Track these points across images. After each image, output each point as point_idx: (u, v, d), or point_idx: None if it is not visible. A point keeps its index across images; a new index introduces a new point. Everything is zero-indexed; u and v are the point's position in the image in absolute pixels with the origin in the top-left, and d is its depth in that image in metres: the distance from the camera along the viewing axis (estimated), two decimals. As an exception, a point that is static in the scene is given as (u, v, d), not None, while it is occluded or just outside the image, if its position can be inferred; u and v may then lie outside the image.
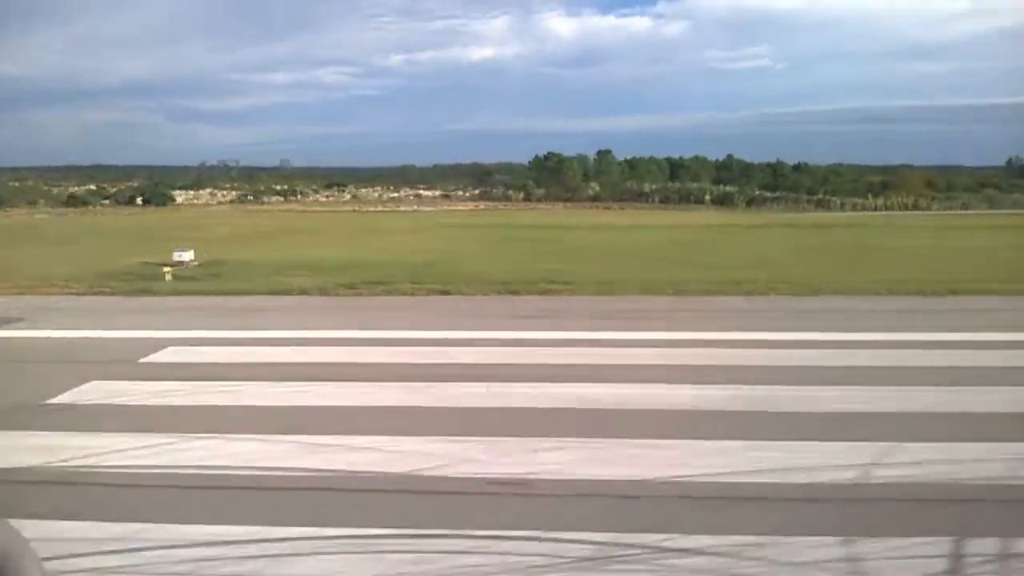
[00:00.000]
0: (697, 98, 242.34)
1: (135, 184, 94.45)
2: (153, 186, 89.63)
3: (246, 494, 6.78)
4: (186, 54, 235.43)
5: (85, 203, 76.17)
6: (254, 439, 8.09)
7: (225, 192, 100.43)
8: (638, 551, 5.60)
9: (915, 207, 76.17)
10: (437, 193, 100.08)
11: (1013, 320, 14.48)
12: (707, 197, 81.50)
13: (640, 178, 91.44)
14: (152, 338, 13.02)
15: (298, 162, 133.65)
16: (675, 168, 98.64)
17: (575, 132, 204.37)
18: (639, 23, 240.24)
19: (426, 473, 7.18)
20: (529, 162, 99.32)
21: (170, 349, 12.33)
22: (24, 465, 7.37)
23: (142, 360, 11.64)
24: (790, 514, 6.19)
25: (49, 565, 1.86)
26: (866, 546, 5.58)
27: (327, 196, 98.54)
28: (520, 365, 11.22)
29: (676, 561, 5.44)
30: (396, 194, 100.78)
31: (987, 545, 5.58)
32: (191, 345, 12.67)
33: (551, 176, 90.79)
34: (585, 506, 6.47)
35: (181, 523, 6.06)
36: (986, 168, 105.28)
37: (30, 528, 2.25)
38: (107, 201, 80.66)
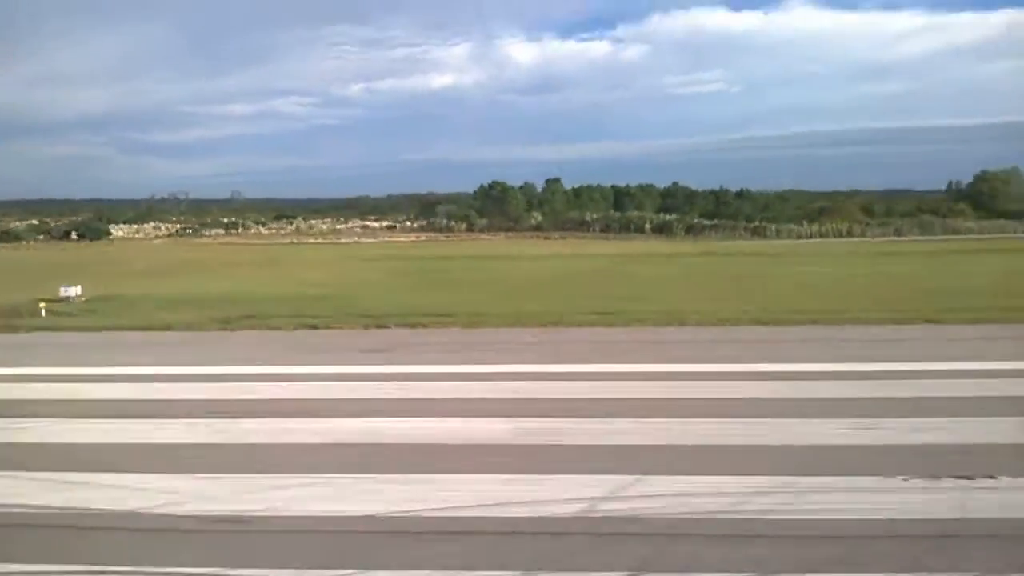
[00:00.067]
0: (653, 125, 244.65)
1: (78, 219, 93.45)
2: (90, 220, 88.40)
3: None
4: (141, 87, 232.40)
5: (18, 238, 74.84)
6: (6, 476, 8.05)
7: (170, 225, 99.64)
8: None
9: (849, 233, 77.62)
10: (384, 224, 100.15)
11: (801, 351, 14.54)
12: (647, 226, 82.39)
13: (584, 207, 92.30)
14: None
15: (255, 194, 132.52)
16: (620, 196, 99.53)
17: (530, 160, 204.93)
18: (598, 48, 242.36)
19: (156, 511, 7.14)
20: (474, 192, 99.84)
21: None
22: None
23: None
24: (487, 548, 6.24)
25: None
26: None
27: (270, 229, 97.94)
28: (308, 400, 11.30)
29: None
30: (343, 226, 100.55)
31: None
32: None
33: (495, 206, 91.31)
34: (299, 543, 6.48)
35: None
36: (933, 192, 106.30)
37: None
38: (42, 236, 79.37)
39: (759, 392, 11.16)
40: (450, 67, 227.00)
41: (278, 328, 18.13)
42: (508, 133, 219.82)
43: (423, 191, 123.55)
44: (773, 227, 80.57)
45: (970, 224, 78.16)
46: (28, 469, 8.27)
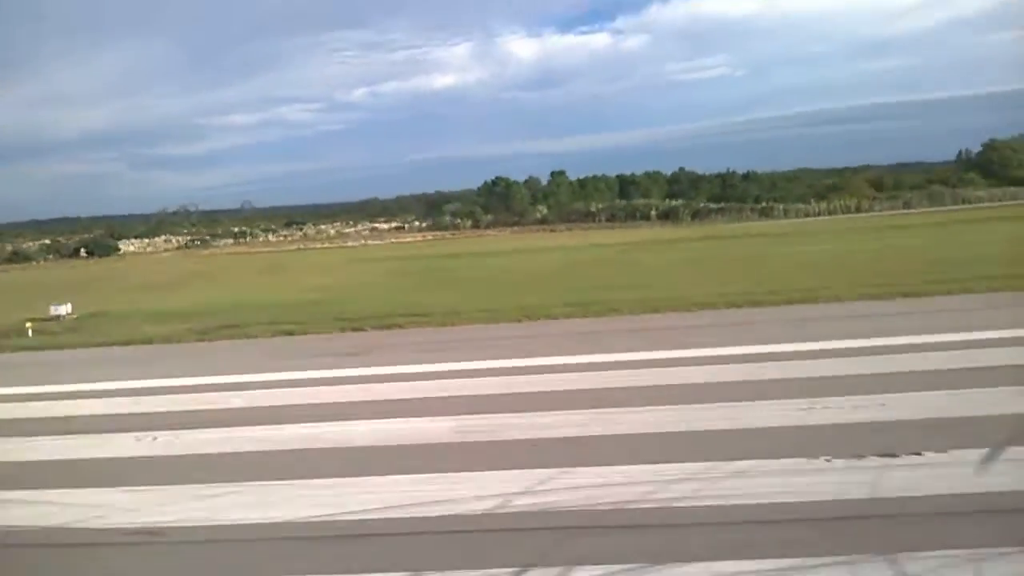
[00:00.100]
0: (657, 112, 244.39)
1: (90, 236, 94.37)
2: (100, 237, 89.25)
3: None
4: (148, 102, 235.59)
5: (28, 259, 75.71)
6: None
7: (180, 238, 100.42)
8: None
9: (858, 209, 76.84)
10: (392, 225, 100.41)
11: (762, 333, 14.43)
12: (652, 213, 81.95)
13: (589, 198, 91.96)
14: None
15: (265, 202, 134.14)
16: (626, 185, 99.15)
17: (536, 154, 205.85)
18: (599, 40, 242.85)
19: (76, 526, 7.19)
20: (478, 188, 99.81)
21: None
22: None
23: None
24: (387, 550, 6.24)
25: None
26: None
27: (279, 236, 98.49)
28: (259, 408, 11.28)
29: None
30: (352, 229, 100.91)
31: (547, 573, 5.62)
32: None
33: (500, 201, 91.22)
34: (204, 553, 6.50)
35: None
36: (943, 164, 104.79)
37: None
38: (51, 256, 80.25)
39: (701, 377, 10.98)
40: (452, 67, 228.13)
41: (255, 336, 18.22)
42: (512, 129, 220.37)
43: (431, 191, 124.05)
44: (781, 207, 79.72)
45: (980, 193, 77.07)
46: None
